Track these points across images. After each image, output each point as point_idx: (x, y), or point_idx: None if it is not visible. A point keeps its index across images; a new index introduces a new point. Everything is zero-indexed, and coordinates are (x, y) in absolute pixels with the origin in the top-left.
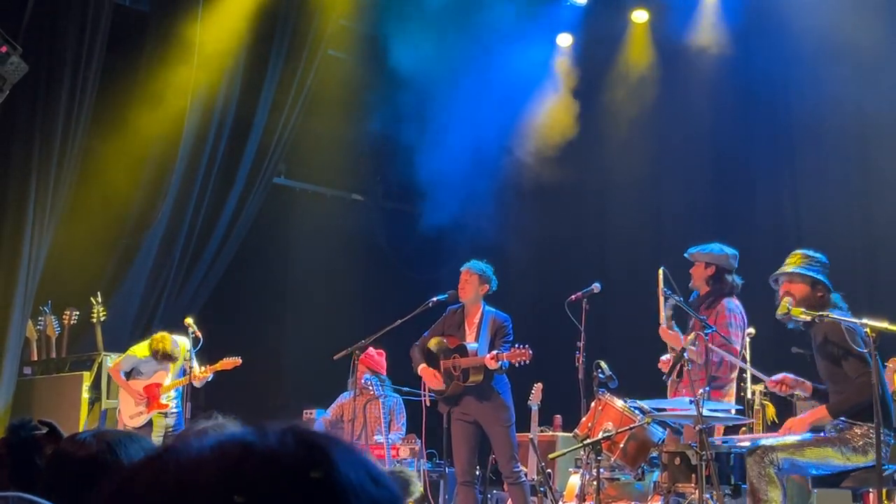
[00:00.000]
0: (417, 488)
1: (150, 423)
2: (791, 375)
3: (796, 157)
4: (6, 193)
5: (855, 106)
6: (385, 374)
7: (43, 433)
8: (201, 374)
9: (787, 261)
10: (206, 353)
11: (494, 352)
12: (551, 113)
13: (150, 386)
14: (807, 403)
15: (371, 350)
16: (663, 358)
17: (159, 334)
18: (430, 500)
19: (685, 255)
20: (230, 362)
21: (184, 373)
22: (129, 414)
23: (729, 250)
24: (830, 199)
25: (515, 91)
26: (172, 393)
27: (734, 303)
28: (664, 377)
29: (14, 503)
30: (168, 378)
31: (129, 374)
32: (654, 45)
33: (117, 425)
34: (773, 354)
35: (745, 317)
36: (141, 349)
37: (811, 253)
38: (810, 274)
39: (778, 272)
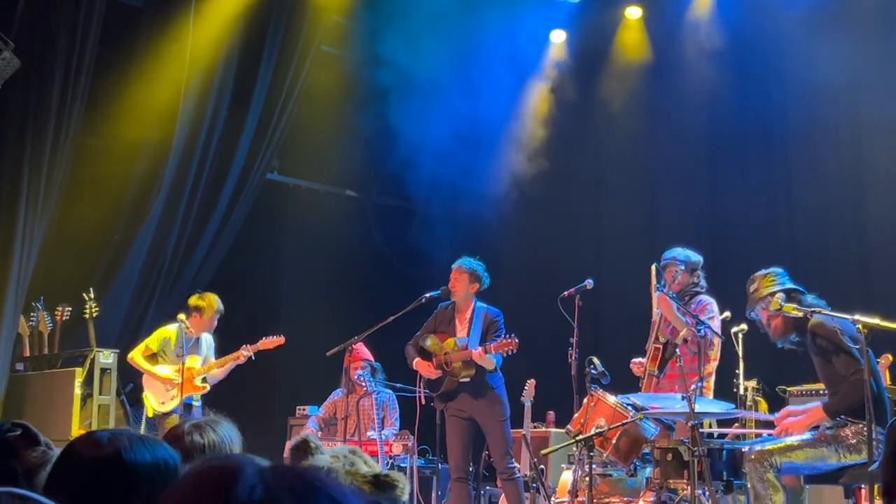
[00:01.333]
0: (405, 490)
1: (186, 407)
2: (792, 408)
3: (790, 151)
4: None
5: (849, 100)
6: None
7: (16, 434)
8: (242, 355)
9: (751, 291)
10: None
11: (481, 345)
12: (545, 109)
13: (181, 367)
14: (800, 397)
15: (359, 345)
16: (635, 360)
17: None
18: (420, 498)
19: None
20: (273, 341)
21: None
22: (159, 400)
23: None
24: (824, 193)
25: (509, 87)
26: (204, 375)
27: (709, 298)
28: (649, 372)
29: (4, 499)
30: (199, 360)
31: (154, 357)
32: (647, 42)
33: (146, 412)
34: (766, 350)
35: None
36: (170, 330)
37: (764, 271)
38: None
39: (750, 307)
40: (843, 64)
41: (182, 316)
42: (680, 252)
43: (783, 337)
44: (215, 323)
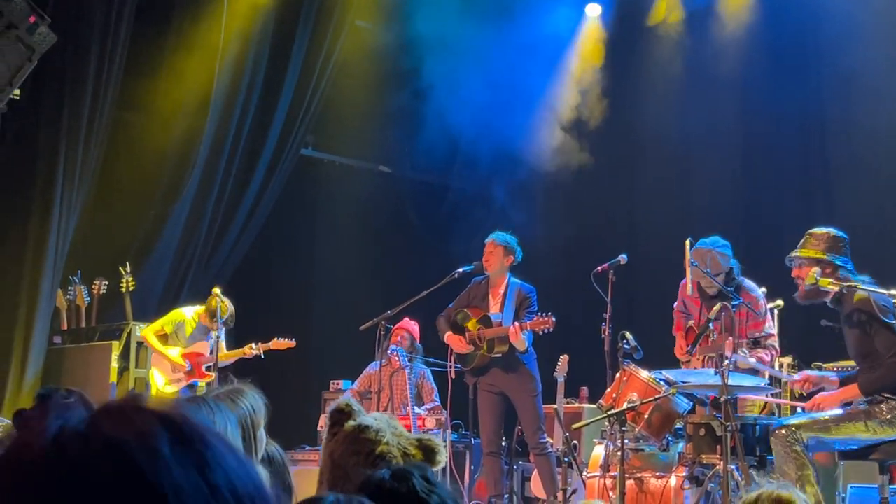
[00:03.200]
0: (443, 457)
1: (190, 389)
2: (814, 373)
3: (827, 126)
4: (35, 164)
5: (887, 69)
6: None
7: (70, 402)
8: (249, 350)
9: (800, 243)
10: (235, 327)
11: (517, 322)
12: (580, 86)
13: (191, 354)
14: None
15: (407, 319)
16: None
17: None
18: (454, 472)
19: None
20: (283, 343)
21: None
22: (165, 380)
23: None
24: (861, 168)
25: (544, 63)
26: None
27: (750, 283)
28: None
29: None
30: (208, 348)
31: (167, 339)
32: (683, 17)
33: (149, 392)
34: (802, 327)
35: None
36: (186, 315)
37: (823, 230)
38: (815, 256)
39: (790, 256)
40: (885, 29)
41: (217, 290)
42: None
43: (806, 300)
44: (215, 327)
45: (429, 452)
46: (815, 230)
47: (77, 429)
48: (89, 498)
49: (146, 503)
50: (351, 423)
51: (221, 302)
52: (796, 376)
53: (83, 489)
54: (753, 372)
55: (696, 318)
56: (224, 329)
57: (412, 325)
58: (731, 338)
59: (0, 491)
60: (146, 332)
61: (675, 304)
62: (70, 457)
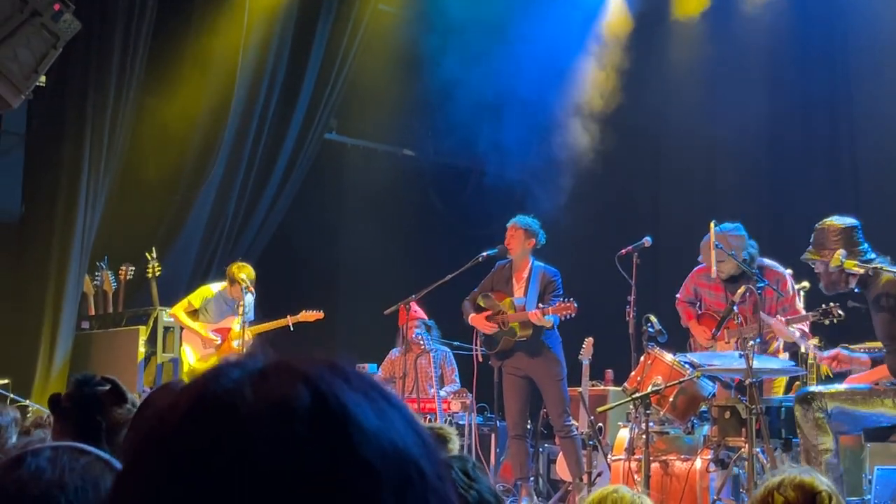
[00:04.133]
0: (455, 445)
1: None
2: (845, 351)
3: (854, 110)
4: (61, 150)
5: None
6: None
7: (105, 390)
8: (276, 324)
9: (812, 241)
10: (260, 307)
11: (541, 305)
12: (606, 68)
13: (222, 329)
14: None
15: (414, 304)
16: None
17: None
18: (480, 454)
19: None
20: (312, 315)
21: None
22: (196, 356)
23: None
24: (891, 150)
25: (567, 44)
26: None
27: (771, 261)
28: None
29: (65, 452)
30: (238, 323)
31: (196, 314)
32: (710, 3)
33: (181, 370)
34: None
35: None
36: (213, 290)
37: (835, 224)
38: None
39: (804, 257)
40: None
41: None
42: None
43: (831, 290)
44: (251, 289)
45: (440, 441)
46: (824, 224)
47: (223, 396)
48: (211, 477)
49: (266, 489)
50: None
51: (243, 269)
52: (827, 353)
53: (207, 469)
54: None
55: (714, 303)
56: (252, 302)
57: (418, 312)
58: (760, 315)
59: (137, 458)
60: (175, 309)
61: (679, 296)
62: (204, 431)
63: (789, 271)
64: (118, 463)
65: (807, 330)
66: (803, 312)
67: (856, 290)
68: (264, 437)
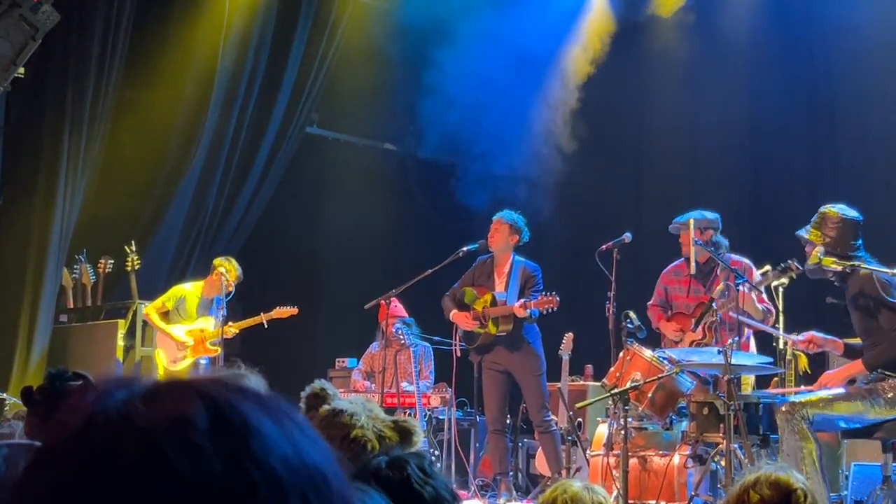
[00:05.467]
0: (420, 438)
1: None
2: (819, 334)
3: (836, 109)
4: (40, 142)
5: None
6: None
7: (77, 385)
8: (249, 322)
9: (813, 220)
10: (240, 302)
11: (523, 300)
12: (587, 63)
13: (195, 330)
14: (840, 357)
15: (395, 301)
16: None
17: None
18: (459, 449)
19: (674, 226)
20: (286, 311)
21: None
22: (170, 358)
23: (710, 213)
24: (869, 149)
25: (549, 42)
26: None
27: (742, 258)
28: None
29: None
30: (212, 323)
31: (168, 315)
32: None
33: (157, 371)
34: (807, 305)
35: None
36: (186, 290)
37: (836, 212)
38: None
39: (801, 232)
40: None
41: (222, 267)
42: (693, 214)
43: (815, 275)
44: (232, 287)
45: (405, 434)
46: (829, 210)
47: (113, 411)
48: (115, 486)
49: (171, 494)
50: (326, 407)
51: (229, 262)
52: (800, 336)
53: (110, 476)
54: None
55: (681, 298)
56: (226, 302)
57: (398, 309)
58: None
59: (34, 471)
60: (148, 309)
61: (650, 303)
62: (101, 442)
63: (768, 268)
64: None
65: (771, 308)
66: (765, 298)
67: (835, 283)
68: (163, 448)
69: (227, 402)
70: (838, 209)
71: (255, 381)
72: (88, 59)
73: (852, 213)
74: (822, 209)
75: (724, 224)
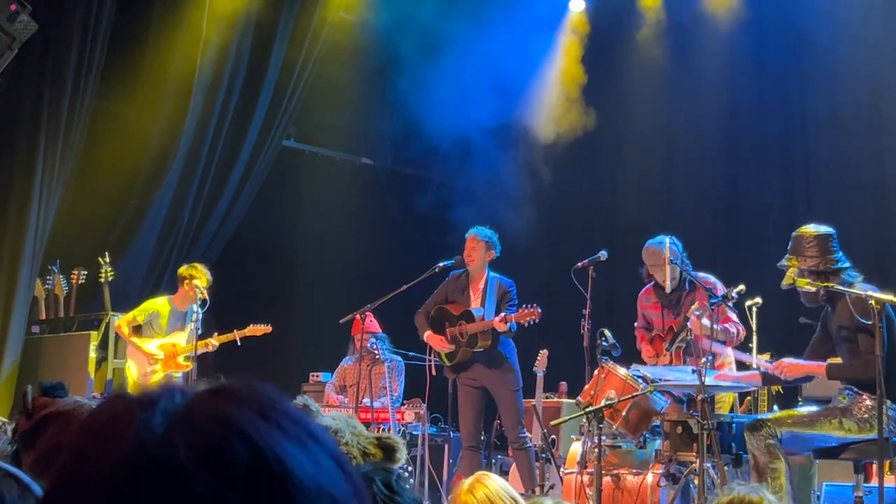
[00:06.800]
0: (403, 454)
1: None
2: (792, 361)
3: (808, 122)
4: (15, 152)
5: (870, 78)
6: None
7: (67, 403)
8: (222, 339)
9: (790, 248)
10: (215, 316)
11: (502, 314)
12: (563, 78)
13: (167, 344)
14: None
15: (370, 317)
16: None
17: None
18: (432, 466)
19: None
20: (260, 329)
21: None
22: (140, 371)
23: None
24: (843, 170)
25: (526, 56)
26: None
27: (708, 276)
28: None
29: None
30: (184, 338)
31: (141, 329)
32: (665, 13)
33: (127, 384)
34: (781, 325)
35: None
36: (159, 304)
37: (811, 231)
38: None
39: (781, 263)
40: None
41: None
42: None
43: (808, 301)
44: (205, 295)
45: (388, 450)
46: (801, 231)
47: (152, 443)
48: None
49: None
50: None
51: (195, 268)
52: (770, 364)
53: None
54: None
55: (658, 322)
56: (201, 317)
57: (372, 324)
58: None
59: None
60: (119, 322)
61: (636, 323)
62: (145, 476)
63: (742, 287)
64: (26, 477)
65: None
66: (735, 318)
67: (811, 304)
68: (200, 483)
69: (268, 446)
70: (810, 228)
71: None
72: (65, 69)
73: (824, 229)
74: (794, 233)
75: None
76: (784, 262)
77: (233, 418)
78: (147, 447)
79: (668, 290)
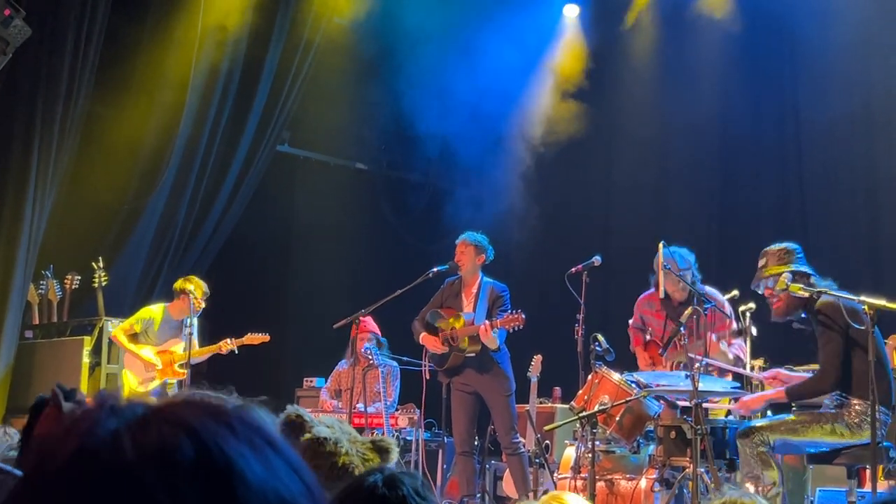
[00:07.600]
0: (395, 455)
1: (163, 388)
2: (785, 371)
3: (802, 125)
4: (8, 157)
5: (863, 84)
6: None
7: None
8: (224, 346)
9: (760, 265)
10: (208, 321)
11: (487, 321)
12: (557, 84)
13: (163, 352)
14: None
15: (367, 317)
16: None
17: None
18: (426, 470)
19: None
20: (257, 338)
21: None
22: (138, 380)
23: (679, 252)
24: (836, 176)
25: (521, 60)
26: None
27: (711, 288)
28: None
29: None
30: (181, 346)
31: (136, 337)
32: (659, 21)
33: (122, 391)
34: (774, 329)
35: None
36: (154, 311)
37: (778, 247)
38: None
39: (754, 283)
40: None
41: (187, 287)
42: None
43: (784, 316)
44: (202, 304)
45: (383, 453)
46: (771, 248)
47: (101, 444)
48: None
49: None
50: (307, 435)
51: (191, 281)
52: (766, 373)
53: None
54: (723, 374)
55: (658, 330)
56: (196, 325)
57: (372, 325)
58: (700, 340)
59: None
60: (116, 331)
61: (631, 322)
62: (88, 475)
63: (735, 293)
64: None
65: (744, 352)
66: (737, 341)
67: (803, 315)
68: (147, 485)
69: (214, 442)
70: (776, 245)
71: (258, 413)
72: (59, 75)
73: (790, 244)
74: (761, 253)
75: (691, 245)
76: (754, 281)
77: (184, 419)
78: (89, 446)
79: (659, 294)
